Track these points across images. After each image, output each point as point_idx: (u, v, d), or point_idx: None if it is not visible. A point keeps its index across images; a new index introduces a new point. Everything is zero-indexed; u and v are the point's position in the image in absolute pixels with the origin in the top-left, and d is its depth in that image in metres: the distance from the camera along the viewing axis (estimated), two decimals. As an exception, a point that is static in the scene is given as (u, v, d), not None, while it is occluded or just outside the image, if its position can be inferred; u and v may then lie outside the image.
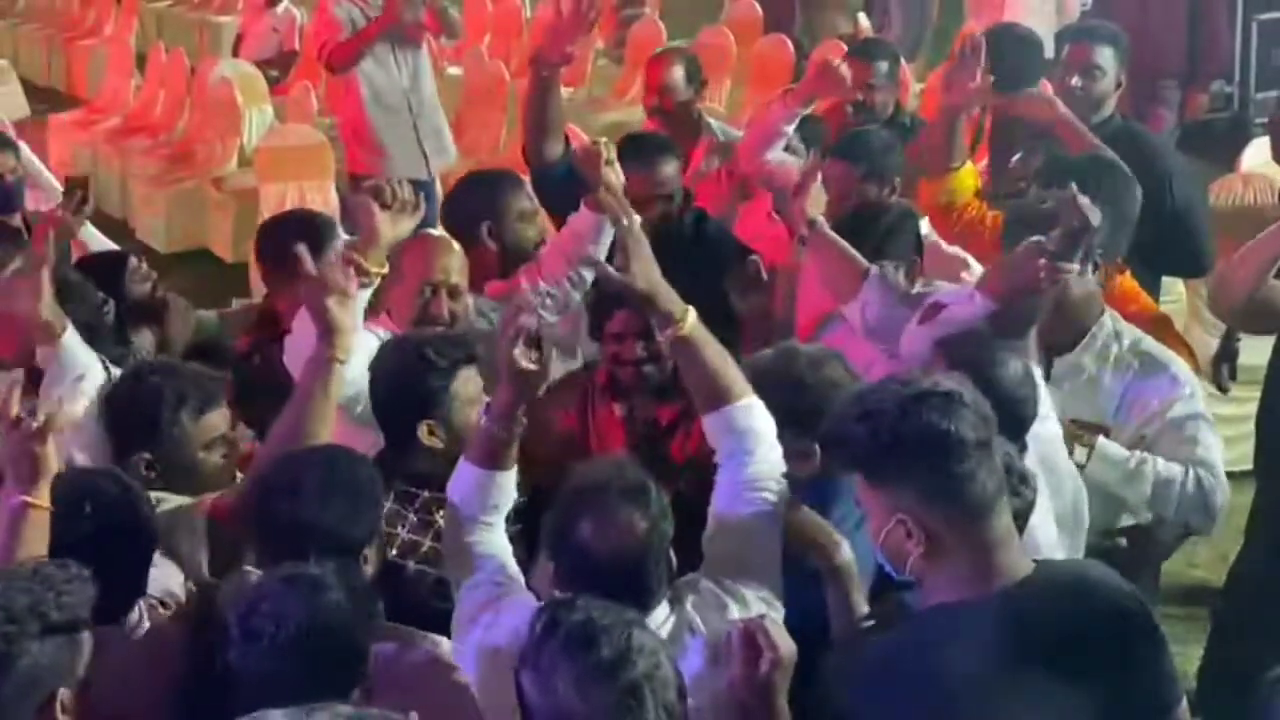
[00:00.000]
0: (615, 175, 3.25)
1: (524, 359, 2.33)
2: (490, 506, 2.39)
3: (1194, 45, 5.94)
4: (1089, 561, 2.16)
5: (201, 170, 8.06)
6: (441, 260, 3.13)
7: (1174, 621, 3.66)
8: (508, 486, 2.42)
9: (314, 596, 1.99)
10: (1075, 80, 4.10)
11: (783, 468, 2.30)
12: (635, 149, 3.74)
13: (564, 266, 3.27)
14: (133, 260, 3.82)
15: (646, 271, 2.29)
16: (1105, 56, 4.10)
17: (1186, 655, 3.63)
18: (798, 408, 2.37)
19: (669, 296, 2.29)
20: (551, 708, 1.78)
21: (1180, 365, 3.00)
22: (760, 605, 2.19)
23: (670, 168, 3.79)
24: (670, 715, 1.78)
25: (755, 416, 2.30)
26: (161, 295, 3.80)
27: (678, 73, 4.61)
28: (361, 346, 2.79)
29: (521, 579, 2.37)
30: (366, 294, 2.84)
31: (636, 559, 2.13)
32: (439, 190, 5.83)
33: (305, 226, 3.38)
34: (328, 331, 2.51)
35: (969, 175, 3.46)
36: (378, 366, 2.75)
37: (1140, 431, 2.95)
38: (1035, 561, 2.00)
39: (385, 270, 2.89)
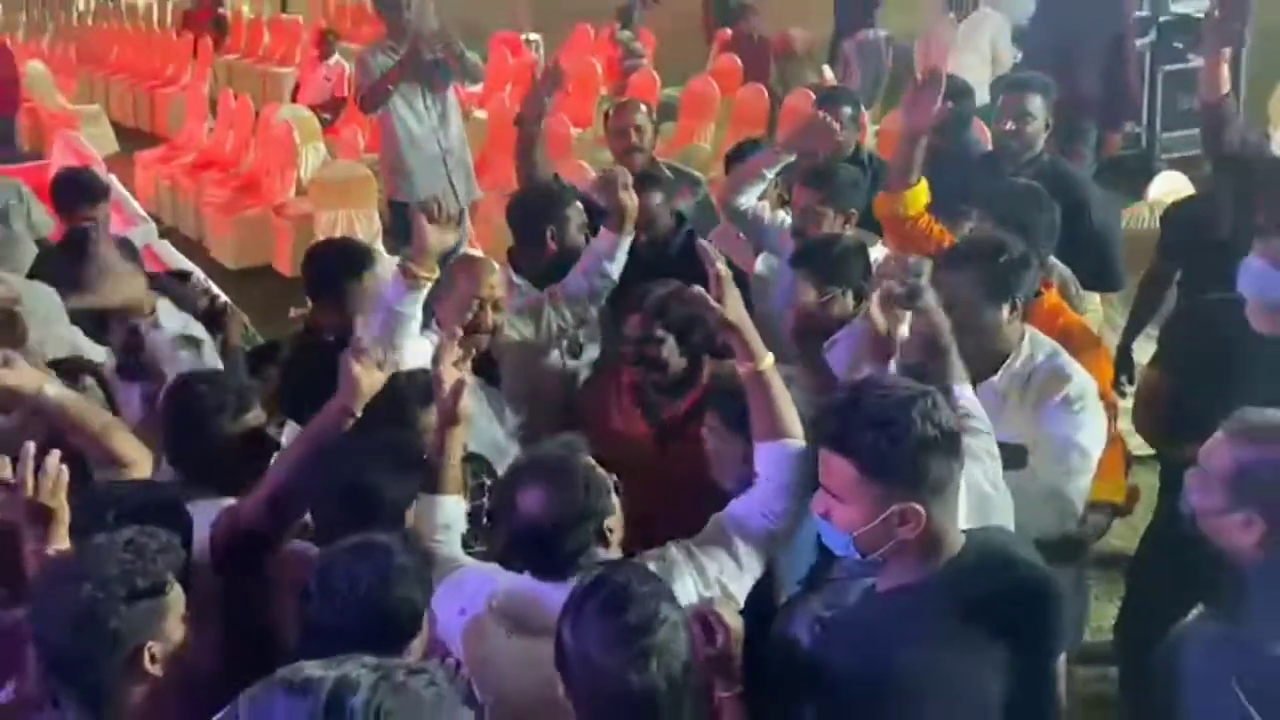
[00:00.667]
0: (630, 199, 3.28)
1: (454, 397, 2.31)
2: (440, 526, 2.32)
3: (1109, 93, 5.94)
4: (997, 531, 2.11)
5: (265, 199, 8.05)
6: (489, 278, 3.13)
7: (1095, 585, 3.67)
8: (451, 510, 2.34)
9: (384, 560, 1.97)
10: (1009, 124, 4.09)
11: (795, 507, 2.20)
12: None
13: (584, 281, 3.33)
14: (193, 278, 3.80)
15: (736, 308, 2.24)
16: (1035, 104, 4.08)
17: (1103, 613, 3.62)
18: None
19: (754, 335, 2.23)
20: (580, 656, 1.77)
21: (1076, 384, 2.72)
22: (716, 584, 2.14)
23: (657, 197, 3.76)
24: (672, 683, 1.75)
25: (797, 458, 2.20)
26: (221, 305, 3.78)
27: (643, 116, 4.47)
28: (419, 350, 2.79)
29: (473, 561, 2.32)
30: (422, 295, 2.86)
31: (549, 528, 2.08)
32: (467, 218, 5.84)
33: (343, 255, 3.40)
34: (352, 388, 2.35)
35: (921, 192, 3.43)
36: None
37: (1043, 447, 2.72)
38: (964, 533, 1.97)
39: (436, 275, 2.89)
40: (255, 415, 2.57)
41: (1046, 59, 5.49)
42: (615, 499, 2.16)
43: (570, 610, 1.81)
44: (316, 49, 10.05)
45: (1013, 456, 2.49)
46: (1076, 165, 5.06)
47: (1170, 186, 5.59)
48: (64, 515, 2.06)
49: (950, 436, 1.85)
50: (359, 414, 2.34)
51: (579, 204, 3.64)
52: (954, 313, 2.60)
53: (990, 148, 4.53)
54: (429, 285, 2.87)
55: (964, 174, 4.00)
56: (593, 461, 2.17)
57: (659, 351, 2.96)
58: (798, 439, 2.22)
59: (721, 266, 2.26)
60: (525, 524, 2.11)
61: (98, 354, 3.19)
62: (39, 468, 2.04)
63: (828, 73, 8.46)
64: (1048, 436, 2.64)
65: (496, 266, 3.25)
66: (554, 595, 2.05)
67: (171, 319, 3.46)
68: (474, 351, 2.51)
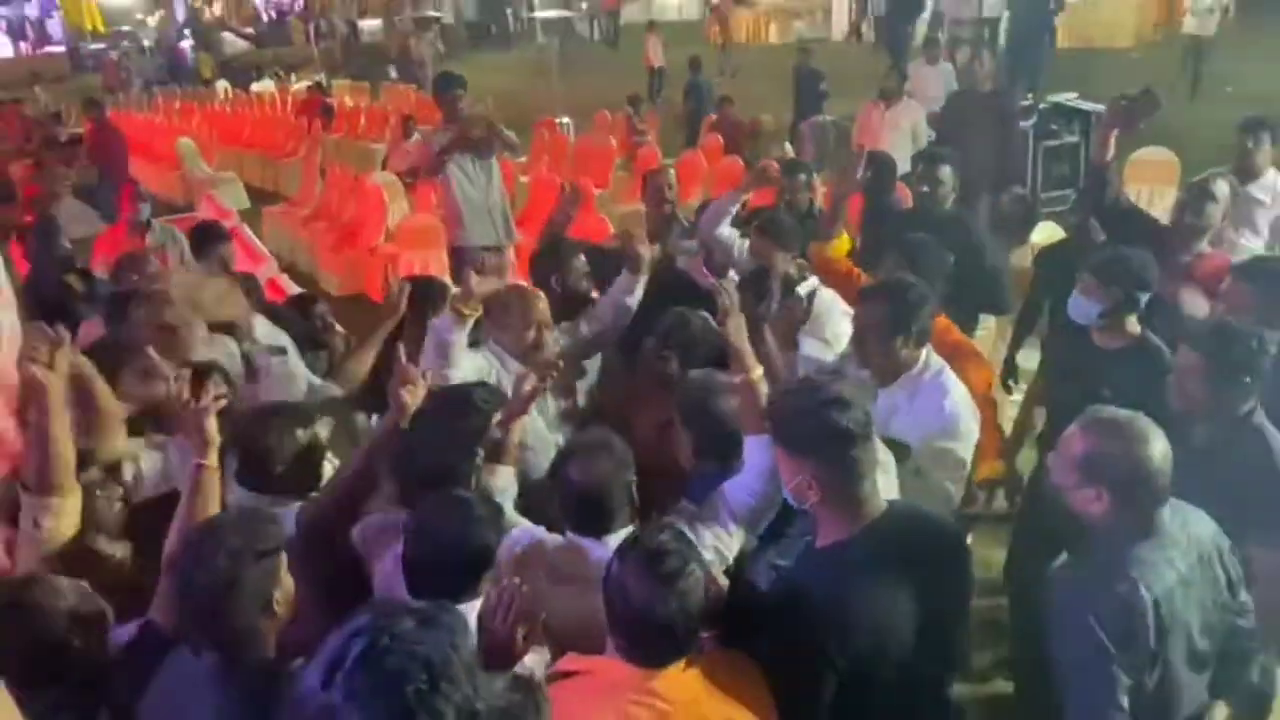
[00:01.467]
0: (646, 250, 3.36)
1: (528, 399, 2.37)
2: (498, 489, 2.36)
3: (1000, 162, 5.94)
4: (915, 502, 2.13)
5: (361, 243, 8.05)
6: (540, 305, 3.13)
7: (988, 535, 3.67)
8: (507, 476, 2.39)
9: (468, 510, 1.97)
10: (925, 188, 4.09)
11: (771, 488, 2.17)
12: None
13: (608, 309, 3.35)
14: (318, 305, 3.82)
15: (738, 331, 2.31)
16: (945, 172, 4.07)
17: (993, 557, 3.62)
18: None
19: (748, 352, 2.28)
20: (622, 590, 1.77)
21: (952, 399, 2.63)
22: (711, 549, 2.13)
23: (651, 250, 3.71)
24: (688, 617, 1.76)
25: (762, 447, 2.18)
26: (328, 324, 3.76)
27: (671, 180, 4.61)
28: (471, 365, 2.82)
29: (523, 520, 2.32)
30: (467, 327, 2.85)
31: (600, 490, 2.12)
32: (511, 256, 5.86)
33: (429, 289, 3.39)
34: (400, 409, 2.29)
35: (844, 242, 3.46)
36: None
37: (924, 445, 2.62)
38: (888, 502, 1.98)
39: (479, 313, 2.89)
40: (309, 433, 2.39)
41: (953, 137, 5.50)
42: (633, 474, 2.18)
43: (619, 556, 1.81)
44: (401, 129, 10.09)
45: (899, 452, 2.50)
46: (975, 216, 5.05)
47: (1047, 233, 5.61)
48: (215, 438, 2.05)
49: (850, 434, 1.85)
50: (406, 426, 2.29)
51: (582, 256, 3.57)
52: (864, 337, 2.66)
53: (910, 205, 4.54)
54: (472, 319, 2.85)
55: (890, 226, 4.01)
56: (622, 442, 2.19)
57: (666, 366, 2.98)
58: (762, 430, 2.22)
59: (730, 295, 2.36)
60: (574, 490, 2.12)
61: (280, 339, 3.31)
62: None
63: (788, 148, 8.47)
64: (930, 444, 2.56)
65: (542, 295, 3.23)
66: (595, 550, 2.09)
67: (264, 330, 3.45)
68: (551, 372, 2.50)
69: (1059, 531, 2.05)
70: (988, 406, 3.01)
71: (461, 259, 5.68)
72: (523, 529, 2.28)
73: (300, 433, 2.36)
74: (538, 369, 2.48)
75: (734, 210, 3.89)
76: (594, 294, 3.52)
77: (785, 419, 1.91)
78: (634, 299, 3.36)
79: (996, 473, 3.17)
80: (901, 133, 7.12)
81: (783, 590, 1.96)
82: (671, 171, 4.77)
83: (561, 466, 2.18)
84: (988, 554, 3.56)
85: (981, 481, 2.99)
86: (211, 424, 2.10)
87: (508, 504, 2.35)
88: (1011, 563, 3.40)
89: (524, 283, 3.42)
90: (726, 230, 3.85)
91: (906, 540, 1.92)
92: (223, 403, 2.14)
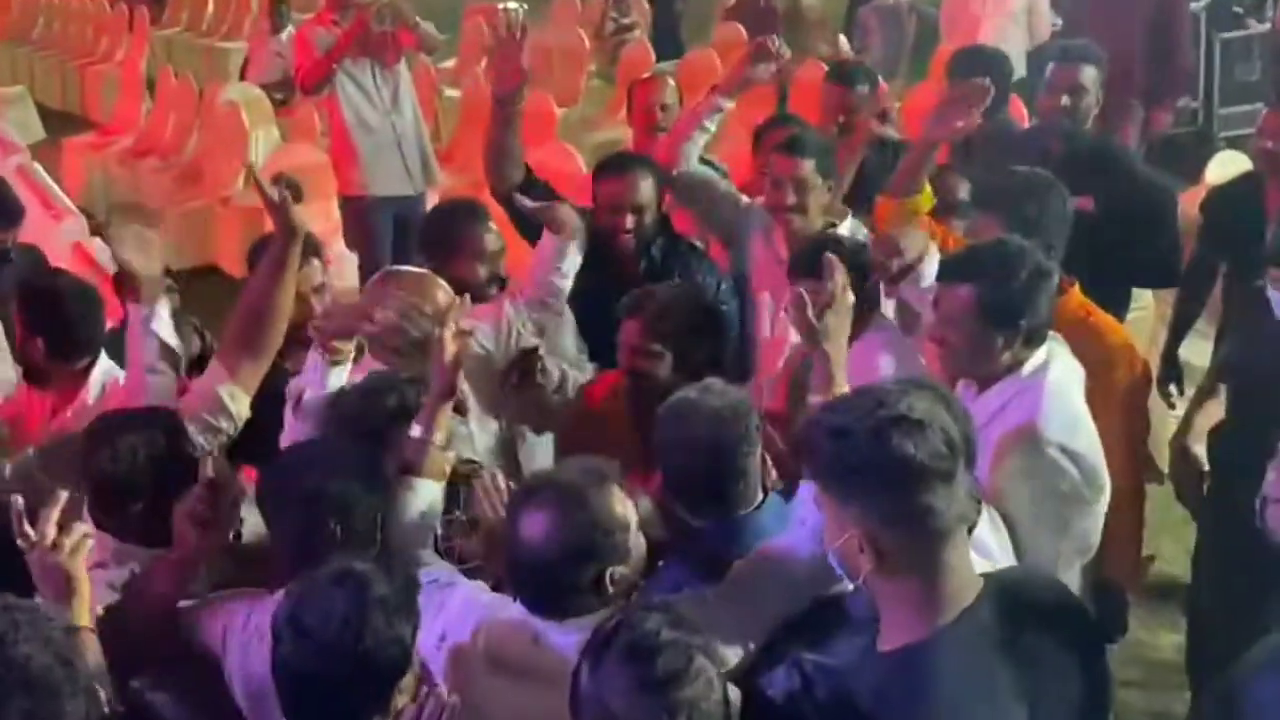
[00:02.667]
0: (565, 213, 3.40)
1: (452, 369, 2.48)
2: (415, 514, 2.44)
3: (1158, 63, 5.96)
4: (1028, 569, 2.11)
5: (210, 190, 8.05)
6: (440, 294, 3.14)
7: (1142, 615, 3.69)
8: (428, 494, 2.47)
9: (361, 591, 1.98)
10: (1064, 100, 4.11)
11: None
12: (617, 163, 3.82)
13: (536, 290, 3.38)
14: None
15: (837, 336, 2.38)
16: (1089, 76, 4.13)
17: (1156, 645, 3.65)
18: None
19: (840, 366, 2.35)
20: (599, 707, 1.77)
21: (1068, 406, 2.67)
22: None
23: (647, 183, 3.73)
24: None
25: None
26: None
27: (671, 93, 4.70)
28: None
29: (458, 573, 2.38)
30: (342, 374, 2.86)
31: (549, 559, 2.09)
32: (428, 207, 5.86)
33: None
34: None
35: (925, 199, 3.48)
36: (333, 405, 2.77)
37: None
38: (983, 576, 1.93)
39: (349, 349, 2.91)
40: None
41: (1088, 26, 5.52)
42: (634, 544, 2.15)
43: (590, 654, 1.81)
44: (267, 20, 10.07)
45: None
46: (1123, 144, 5.09)
47: (1231, 168, 5.60)
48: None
49: (924, 471, 1.77)
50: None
51: (485, 223, 3.56)
52: (945, 335, 2.66)
53: (1028, 126, 4.56)
54: (347, 359, 2.86)
55: (997, 158, 4.03)
56: (616, 494, 2.15)
57: (653, 366, 2.98)
58: None
59: (842, 278, 2.38)
60: (524, 550, 2.11)
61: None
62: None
63: (843, 42, 8.49)
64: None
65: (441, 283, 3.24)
66: (550, 636, 2.07)
67: None
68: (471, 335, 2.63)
69: (1259, 596, 2.04)
70: (1136, 422, 3.01)
71: (359, 215, 5.68)
72: (465, 591, 2.28)
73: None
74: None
75: (710, 127, 3.90)
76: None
77: (825, 444, 1.84)
78: (565, 271, 3.37)
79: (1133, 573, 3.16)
80: (1013, 18, 7.16)
81: (826, 710, 1.91)
82: (670, 81, 4.80)
83: (512, 517, 2.17)
84: (1149, 637, 3.59)
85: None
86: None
87: (429, 533, 2.42)
88: (1194, 649, 3.42)
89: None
90: (695, 163, 3.87)
91: (1016, 637, 1.88)
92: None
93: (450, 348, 2.51)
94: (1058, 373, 2.67)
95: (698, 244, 3.97)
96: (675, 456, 2.38)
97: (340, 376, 2.81)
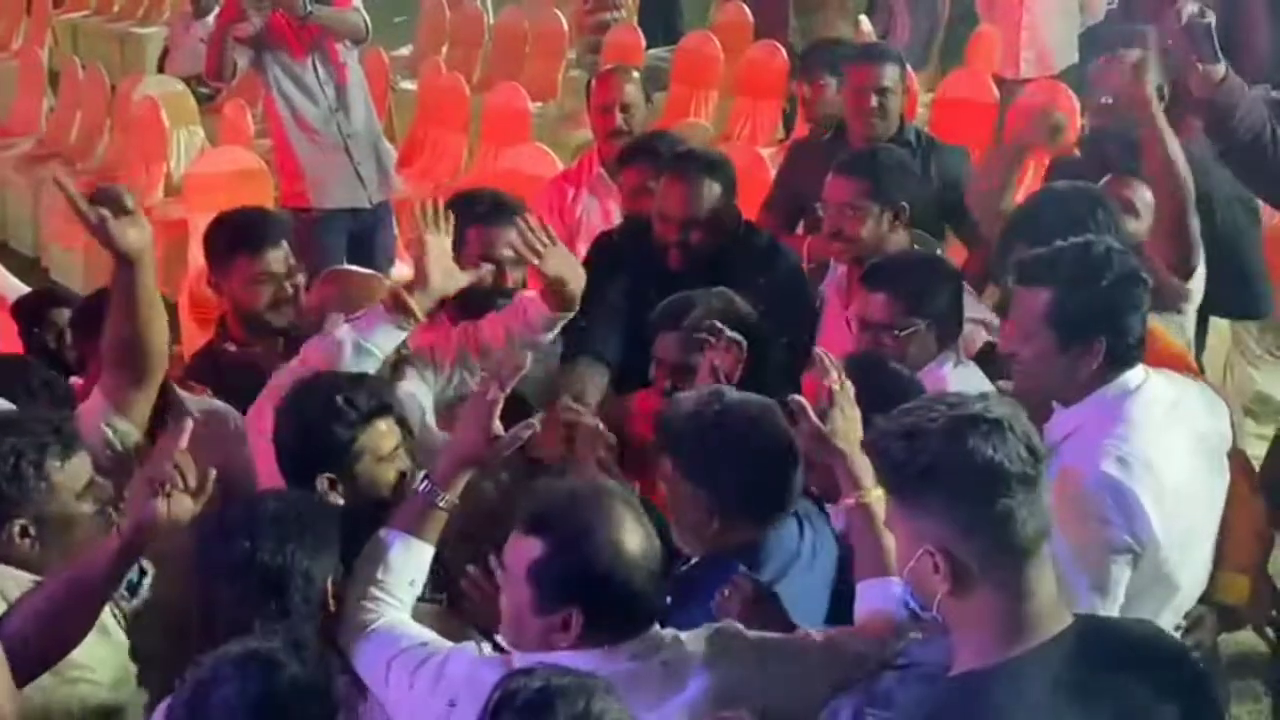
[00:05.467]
0: (568, 270, 3.33)
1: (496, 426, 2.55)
2: (406, 583, 2.54)
3: (1230, 47, 6.02)
4: (1134, 619, 2.19)
5: (124, 200, 8.08)
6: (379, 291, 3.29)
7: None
8: (425, 563, 2.58)
9: (267, 675, 2.07)
10: (1106, 98, 4.16)
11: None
12: (684, 162, 3.85)
13: (503, 339, 3.35)
14: (57, 310, 3.87)
15: (848, 433, 2.46)
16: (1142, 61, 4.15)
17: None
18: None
19: (863, 465, 2.40)
20: None
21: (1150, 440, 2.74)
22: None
23: (715, 188, 3.81)
24: None
25: (884, 593, 2.40)
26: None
27: (635, 88, 4.73)
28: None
29: (445, 642, 2.46)
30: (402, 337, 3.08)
31: (651, 565, 2.23)
32: (394, 220, 5.91)
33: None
34: (141, 527, 2.48)
35: None
36: (284, 409, 2.87)
37: None
38: (1075, 616, 2.03)
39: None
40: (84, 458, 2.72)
41: (1144, 3, 5.60)
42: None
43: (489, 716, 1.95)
44: (190, 3, 10.13)
45: None
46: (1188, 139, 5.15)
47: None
48: None
49: (1005, 474, 1.91)
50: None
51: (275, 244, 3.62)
52: (1016, 348, 2.74)
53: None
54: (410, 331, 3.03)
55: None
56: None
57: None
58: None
59: (835, 376, 2.49)
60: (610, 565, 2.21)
61: None
62: None
63: (865, 25, 8.58)
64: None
65: (380, 279, 3.39)
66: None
67: None
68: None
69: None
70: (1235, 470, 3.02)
71: (306, 231, 5.69)
72: (460, 654, 2.37)
73: None
74: None
75: None
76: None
77: (896, 447, 1.97)
78: (548, 338, 3.41)
79: (1238, 594, 3.18)
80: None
81: None
82: (633, 76, 4.82)
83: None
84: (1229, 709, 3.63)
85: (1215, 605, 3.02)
86: None
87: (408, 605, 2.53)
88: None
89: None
90: None
91: (1103, 681, 1.95)
92: None
93: (495, 397, 2.56)
94: (1150, 401, 2.72)
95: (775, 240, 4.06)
96: (731, 465, 2.54)
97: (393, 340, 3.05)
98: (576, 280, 3.21)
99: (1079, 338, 2.67)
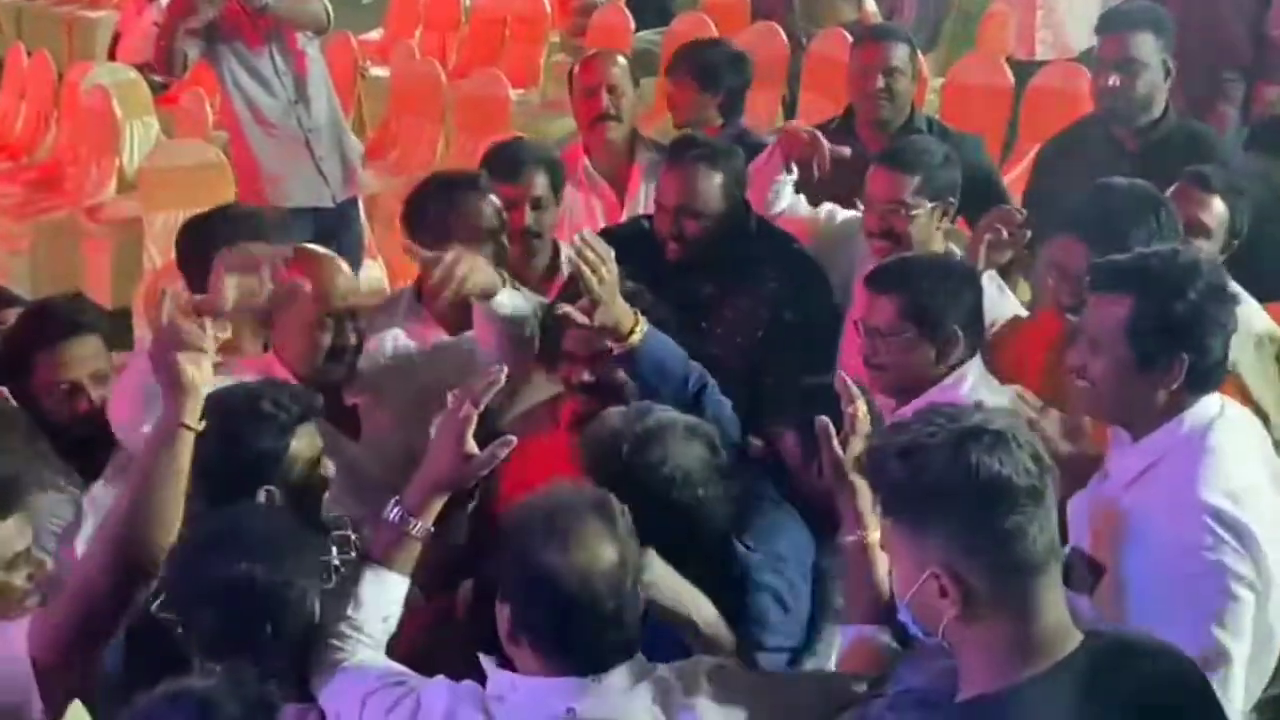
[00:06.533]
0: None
1: (470, 445, 2.55)
2: (379, 619, 2.55)
3: (1261, 30, 6.04)
4: (1145, 634, 2.18)
5: (73, 197, 8.09)
6: (340, 279, 3.36)
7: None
8: (399, 596, 2.58)
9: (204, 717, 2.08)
10: (1112, 79, 4.18)
11: None
12: (681, 150, 3.89)
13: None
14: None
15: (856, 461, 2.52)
16: (1144, 46, 4.17)
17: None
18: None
19: (867, 498, 2.47)
20: None
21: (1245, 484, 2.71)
22: None
23: (716, 178, 3.82)
24: None
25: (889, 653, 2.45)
26: None
27: (622, 71, 4.74)
28: None
29: (420, 678, 2.47)
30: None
31: (607, 590, 2.23)
32: (363, 218, 5.89)
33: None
34: (177, 392, 2.52)
35: None
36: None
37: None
38: (1085, 633, 2.04)
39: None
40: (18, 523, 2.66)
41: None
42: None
43: None
44: (144, -17, 10.13)
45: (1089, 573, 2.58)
46: (1217, 129, 5.15)
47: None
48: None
49: (1012, 489, 1.92)
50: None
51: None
52: (1086, 365, 2.69)
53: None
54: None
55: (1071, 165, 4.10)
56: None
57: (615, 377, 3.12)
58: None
59: (861, 407, 2.55)
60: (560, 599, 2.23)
61: None
62: None
63: (869, 5, 8.58)
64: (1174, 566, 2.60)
65: (345, 268, 3.40)
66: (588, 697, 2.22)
67: None
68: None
69: None
70: None
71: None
72: (426, 689, 2.37)
73: None
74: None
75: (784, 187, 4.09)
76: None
77: (894, 466, 1.99)
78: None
79: None
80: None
81: None
82: (620, 59, 4.85)
83: (525, 555, 2.26)
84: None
85: None
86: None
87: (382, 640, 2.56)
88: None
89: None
90: (787, 203, 4.10)
91: (1117, 704, 1.96)
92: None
93: (468, 414, 2.56)
94: (1229, 431, 2.68)
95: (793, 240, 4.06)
96: None
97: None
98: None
99: (1160, 355, 2.62)
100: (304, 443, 2.84)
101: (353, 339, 3.36)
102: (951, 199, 3.77)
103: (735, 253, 3.80)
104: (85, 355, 3.25)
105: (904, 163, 3.76)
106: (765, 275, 3.79)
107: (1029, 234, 3.63)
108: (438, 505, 2.59)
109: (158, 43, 5.47)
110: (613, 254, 3.04)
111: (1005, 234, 3.62)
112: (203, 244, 3.48)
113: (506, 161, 4.07)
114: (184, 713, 2.09)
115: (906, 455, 1.97)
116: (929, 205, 3.71)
